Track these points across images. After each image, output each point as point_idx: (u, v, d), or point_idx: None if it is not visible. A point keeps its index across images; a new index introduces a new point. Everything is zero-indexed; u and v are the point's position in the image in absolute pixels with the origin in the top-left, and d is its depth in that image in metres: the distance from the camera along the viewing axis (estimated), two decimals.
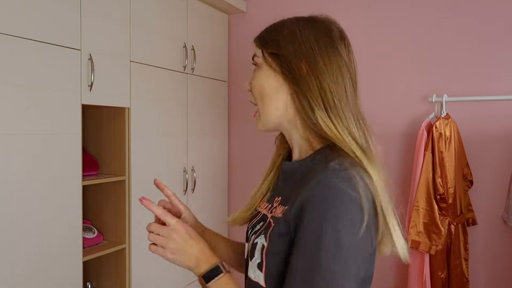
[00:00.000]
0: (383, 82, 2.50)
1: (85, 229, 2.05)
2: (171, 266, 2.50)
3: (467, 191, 2.30)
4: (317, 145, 0.83)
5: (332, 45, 0.85)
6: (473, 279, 2.30)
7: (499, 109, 2.24)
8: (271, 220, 0.80)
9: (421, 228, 2.13)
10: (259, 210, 0.93)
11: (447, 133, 2.16)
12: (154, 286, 2.30)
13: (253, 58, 0.90)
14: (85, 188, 1.98)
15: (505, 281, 2.26)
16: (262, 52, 0.87)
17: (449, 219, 2.15)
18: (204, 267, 0.81)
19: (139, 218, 2.18)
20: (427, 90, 2.39)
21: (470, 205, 2.29)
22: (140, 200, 0.89)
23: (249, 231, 0.90)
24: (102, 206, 2.18)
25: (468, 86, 2.30)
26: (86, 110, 2.13)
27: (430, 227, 2.13)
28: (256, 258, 0.79)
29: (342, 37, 0.92)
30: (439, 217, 2.13)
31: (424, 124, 2.22)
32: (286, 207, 0.77)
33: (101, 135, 2.17)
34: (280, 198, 0.84)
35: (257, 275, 0.79)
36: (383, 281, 2.55)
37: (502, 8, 2.23)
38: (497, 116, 2.25)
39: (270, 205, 0.87)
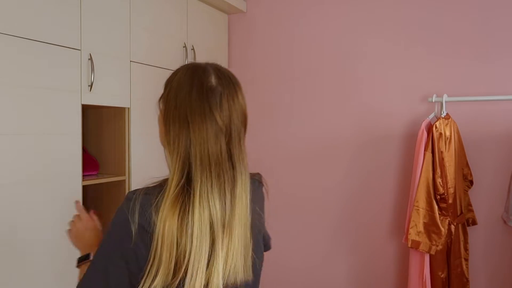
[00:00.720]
0: (383, 82, 2.50)
1: None
2: None
3: (467, 191, 2.30)
4: None
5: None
6: (473, 279, 2.30)
7: (499, 109, 2.24)
8: None
9: (421, 228, 2.13)
10: None
11: (447, 133, 2.16)
12: None
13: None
14: (85, 188, 1.97)
15: (505, 281, 2.26)
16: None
17: (449, 219, 2.15)
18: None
19: None
20: (427, 90, 2.39)
21: (470, 205, 2.29)
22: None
23: None
24: (102, 206, 2.18)
25: (468, 86, 2.30)
26: (86, 110, 2.13)
27: (430, 227, 2.13)
28: None
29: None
30: (439, 217, 2.13)
31: (424, 124, 2.22)
32: None
33: (101, 135, 2.17)
34: None
35: None
36: (383, 281, 2.55)
37: (502, 8, 2.22)
38: (497, 116, 2.25)
39: None
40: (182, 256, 0.80)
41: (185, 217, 0.81)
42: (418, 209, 2.14)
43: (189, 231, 0.80)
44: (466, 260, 2.22)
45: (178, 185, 0.84)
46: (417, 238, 2.14)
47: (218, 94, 0.92)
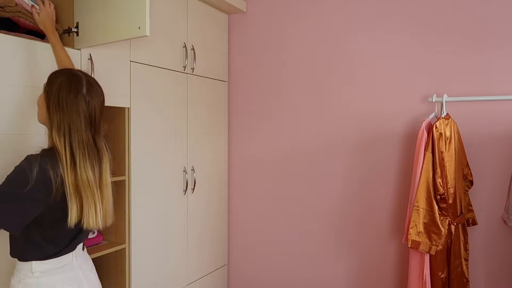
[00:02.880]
0: (383, 82, 2.50)
1: None
2: (171, 266, 2.50)
3: (467, 191, 2.30)
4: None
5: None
6: (473, 279, 2.30)
7: (500, 109, 2.24)
8: None
9: (421, 228, 2.13)
10: None
11: (447, 133, 2.16)
12: (154, 286, 2.30)
13: None
14: None
15: (505, 281, 2.26)
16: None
17: (449, 219, 2.15)
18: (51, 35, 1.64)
19: (139, 218, 2.18)
20: (427, 90, 2.39)
21: (470, 205, 2.29)
22: None
23: None
24: None
25: (468, 86, 2.30)
26: None
27: (430, 227, 2.13)
28: None
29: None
30: (439, 217, 2.13)
31: (424, 124, 2.22)
32: None
33: None
34: None
35: None
36: (383, 281, 2.55)
37: (502, 8, 2.22)
38: (497, 116, 2.25)
39: None
40: (80, 200, 1.30)
41: (77, 177, 1.30)
42: (418, 209, 2.14)
43: (80, 185, 1.30)
44: (466, 260, 2.22)
45: (67, 155, 1.29)
46: (417, 238, 2.14)
47: (87, 99, 1.34)
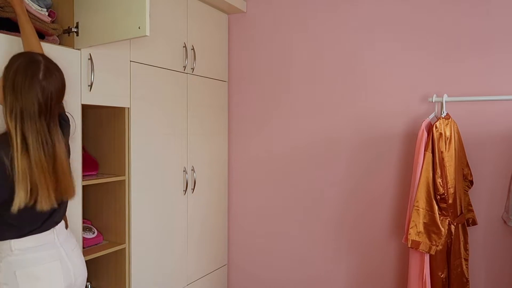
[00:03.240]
0: (383, 82, 2.50)
1: (85, 229, 2.04)
2: (171, 266, 2.50)
3: (467, 191, 2.30)
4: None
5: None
6: (473, 279, 2.30)
7: (499, 109, 2.24)
8: None
9: (421, 228, 2.13)
10: None
11: (447, 133, 2.16)
12: (154, 286, 2.30)
13: None
14: (85, 188, 1.98)
15: (505, 281, 2.26)
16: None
17: (449, 219, 2.15)
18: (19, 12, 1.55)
19: (139, 218, 2.18)
20: (427, 90, 2.39)
21: (470, 205, 2.29)
22: None
23: None
24: (102, 206, 2.18)
25: (468, 86, 2.30)
26: (86, 110, 2.13)
27: (430, 227, 2.13)
28: None
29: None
30: (439, 217, 2.13)
31: (424, 124, 2.22)
32: None
33: (101, 135, 2.17)
34: None
35: None
36: (383, 281, 2.55)
37: (503, 9, 2.22)
38: (497, 116, 2.25)
39: None
40: (33, 183, 1.31)
41: (30, 161, 1.30)
42: (418, 209, 2.14)
43: (33, 169, 1.30)
44: (466, 260, 2.22)
45: (17, 140, 1.29)
46: (417, 238, 2.13)
47: (43, 84, 1.33)
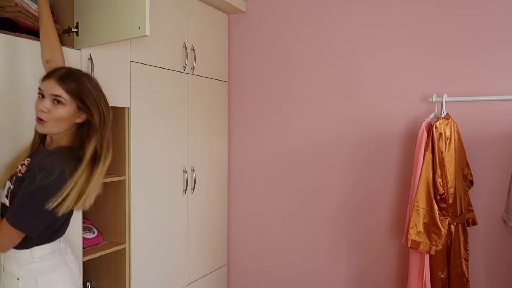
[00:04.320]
0: (384, 82, 2.50)
1: (85, 229, 2.05)
2: (171, 266, 2.50)
3: (467, 191, 2.30)
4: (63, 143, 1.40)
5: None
6: (473, 279, 2.30)
7: (499, 109, 2.24)
8: (18, 174, 1.35)
9: (421, 228, 2.13)
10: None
11: (447, 133, 2.16)
12: (154, 286, 2.30)
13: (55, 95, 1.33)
14: None
15: (505, 281, 2.26)
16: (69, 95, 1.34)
17: (449, 219, 2.15)
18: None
19: (139, 218, 2.18)
20: (427, 90, 2.39)
21: (470, 205, 2.29)
22: None
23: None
24: (102, 206, 2.18)
25: (468, 86, 2.30)
26: None
27: (430, 227, 2.13)
28: (5, 191, 1.37)
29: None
30: (439, 217, 2.13)
31: (424, 124, 2.22)
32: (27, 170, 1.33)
33: None
34: (30, 161, 1.36)
35: (5, 201, 1.36)
36: (383, 281, 2.55)
37: (502, 9, 2.22)
38: (497, 116, 2.25)
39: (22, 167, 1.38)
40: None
41: (91, 176, 1.35)
42: (418, 209, 2.14)
43: (89, 184, 1.34)
44: (466, 260, 2.22)
45: (90, 156, 1.37)
46: (417, 238, 2.14)
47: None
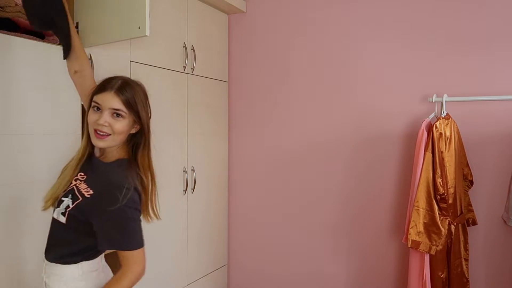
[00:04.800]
0: (383, 82, 2.50)
1: None
2: (171, 266, 2.50)
3: (467, 191, 2.30)
4: (121, 155, 1.39)
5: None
6: (473, 279, 2.30)
7: (499, 109, 2.24)
8: (76, 192, 1.31)
9: (421, 228, 2.13)
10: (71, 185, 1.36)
11: (447, 133, 2.16)
12: (154, 286, 2.30)
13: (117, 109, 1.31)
14: None
15: (505, 281, 2.26)
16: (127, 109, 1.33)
17: (449, 219, 2.15)
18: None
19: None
20: (427, 90, 2.39)
21: (470, 205, 2.29)
22: None
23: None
24: None
25: (468, 86, 2.30)
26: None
27: (430, 227, 2.13)
28: (61, 209, 1.30)
29: None
30: (439, 217, 2.13)
31: (424, 124, 2.22)
32: (89, 189, 1.31)
33: None
34: (85, 176, 1.35)
35: (60, 218, 1.30)
36: (384, 281, 2.55)
37: (502, 8, 2.22)
38: (497, 116, 2.25)
39: (78, 182, 1.35)
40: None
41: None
42: (418, 209, 2.14)
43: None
44: (466, 260, 2.22)
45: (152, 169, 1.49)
46: (417, 238, 2.14)
47: None
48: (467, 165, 2.28)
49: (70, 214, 1.28)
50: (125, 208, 1.25)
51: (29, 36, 1.71)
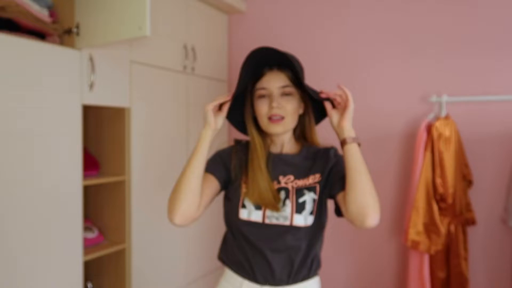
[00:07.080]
0: (383, 82, 2.50)
1: (85, 229, 2.05)
2: (171, 266, 2.50)
3: (466, 191, 2.30)
4: (300, 144, 1.41)
5: None
6: (473, 279, 2.31)
7: (499, 109, 2.25)
8: (310, 185, 1.29)
9: (420, 228, 2.14)
10: (279, 186, 1.28)
11: (447, 133, 2.17)
12: (154, 286, 2.30)
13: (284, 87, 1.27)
14: (85, 188, 1.98)
15: (504, 281, 2.27)
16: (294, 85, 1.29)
17: (448, 219, 2.16)
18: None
19: (139, 218, 2.18)
20: (427, 90, 2.39)
21: (470, 205, 2.30)
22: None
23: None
24: (102, 206, 2.19)
25: (468, 86, 2.30)
26: (87, 110, 2.13)
27: (430, 227, 2.13)
28: (308, 209, 1.28)
29: None
30: (439, 217, 2.14)
31: (424, 124, 2.22)
32: (318, 174, 1.31)
33: (102, 135, 2.18)
34: (292, 176, 1.31)
35: (308, 221, 1.27)
36: (383, 281, 2.55)
37: (501, 8, 2.23)
38: (497, 116, 2.25)
39: (289, 181, 1.31)
40: None
41: None
42: (418, 209, 2.14)
43: None
44: (466, 260, 2.22)
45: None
46: (416, 238, 2.14)
47: None
48: (467, 165, 2.29)
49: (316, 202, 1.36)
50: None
51: (29, 36, 1.71)
